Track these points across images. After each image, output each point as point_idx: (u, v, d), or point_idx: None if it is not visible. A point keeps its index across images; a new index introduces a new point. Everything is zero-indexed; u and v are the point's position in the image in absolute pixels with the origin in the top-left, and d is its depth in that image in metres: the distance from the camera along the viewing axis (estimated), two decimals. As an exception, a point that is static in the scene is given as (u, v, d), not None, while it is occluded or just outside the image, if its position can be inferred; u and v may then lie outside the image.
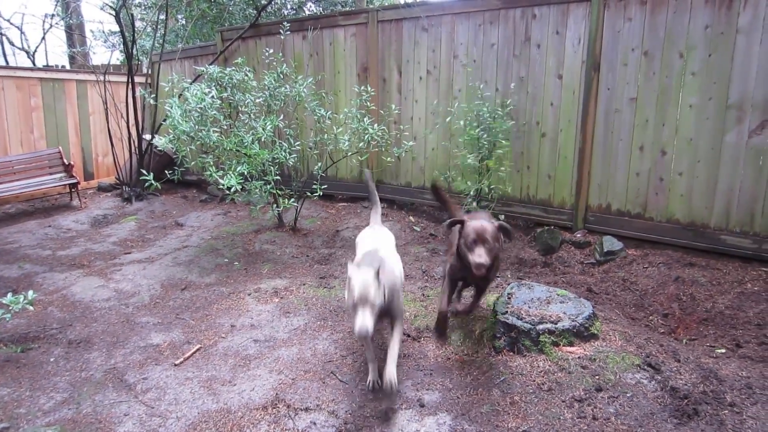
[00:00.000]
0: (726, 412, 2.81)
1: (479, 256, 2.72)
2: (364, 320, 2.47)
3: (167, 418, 2.93)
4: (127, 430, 2.86)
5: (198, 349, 3.66)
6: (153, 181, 5.25)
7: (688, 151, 4.76)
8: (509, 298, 3.60)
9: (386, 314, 2.92)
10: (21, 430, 2.83)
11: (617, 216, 5.20)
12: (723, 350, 3.44)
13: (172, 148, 5.82)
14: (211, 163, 5.23)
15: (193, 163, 5.46)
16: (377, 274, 2.61)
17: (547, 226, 5.49)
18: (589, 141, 5.28)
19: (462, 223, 2.90)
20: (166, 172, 5.88)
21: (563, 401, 2.89)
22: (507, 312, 3.41)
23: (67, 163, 7.92)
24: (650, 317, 3.94)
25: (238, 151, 5.28)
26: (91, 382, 3.35)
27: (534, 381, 3.03)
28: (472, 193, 5.47)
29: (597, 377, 3.09)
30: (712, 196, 4.69)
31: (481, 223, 2.82)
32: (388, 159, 6.39)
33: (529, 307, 3.48)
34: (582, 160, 5.33)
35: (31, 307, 3.67)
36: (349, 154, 5.97)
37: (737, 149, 4.51)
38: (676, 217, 4.87)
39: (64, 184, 7.79)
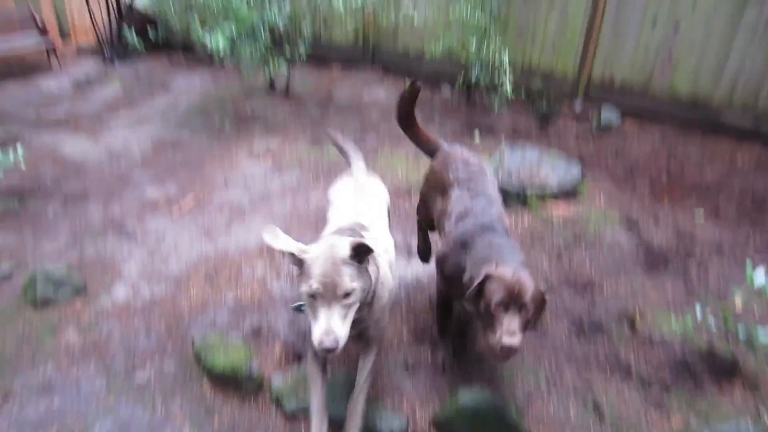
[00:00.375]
0: (693, 265, 3.08)
1: (510, 333, 1.69)
2: (331, 321, 1.54)
3: (168, 259, 3.16)
4: (131, 267, 3.10)
5: (193, 200, 3.83)
6: (135, 41, 5.08)
7: (703, 27, 4.62)
8: (501, 160, 3.73)
9: (359, 335, 1.88)
10: (30, 268, 3.06)
11: (620, 89, 5.17)
12: (702, 215, 3.65)
13: (155, 6, 5.55)
14: (197, 22, 5.02)
15: (177, 23, 5.24)
16: (357, 247, 1.63)
17: (547, 96, 5.48)
18: (600, 10, 5.09)
19: (485, 278, 1.79)
20: (149, 32, 5.66)
21: (544, 251, 3.14)
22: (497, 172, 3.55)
23: (40, 23, 7.55)
24: (637, 184, 4.11)
25: (226, 10, 5.05)
26: (91, 230, 3.54)
27: (518, 235, 3.26)
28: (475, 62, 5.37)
29: (577, 232, 3.33)
30: (719, 73, 4.65)
31: (516, 273, 1.78)
32: (386, 23, 6.16)
33: (520, 169, 3.63)
34: (590, 31, 5.18)
35: (23, 162, 3.74)
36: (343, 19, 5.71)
37: (754, 28, 4.40)
38: (679, 93, 4.86)
39: (40, 45, 7.50)
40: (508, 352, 1.69)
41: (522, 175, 3.54)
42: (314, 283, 1.55)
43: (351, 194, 2.31)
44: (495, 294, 1.72)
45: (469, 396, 2.13)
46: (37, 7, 8.04)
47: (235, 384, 2.39)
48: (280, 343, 2.58)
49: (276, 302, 2.80)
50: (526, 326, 1.77)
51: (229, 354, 2.43)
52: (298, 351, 2.53)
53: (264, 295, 2.85)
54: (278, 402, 2.32)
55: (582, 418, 2.19)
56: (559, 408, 2.23)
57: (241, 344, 2.51)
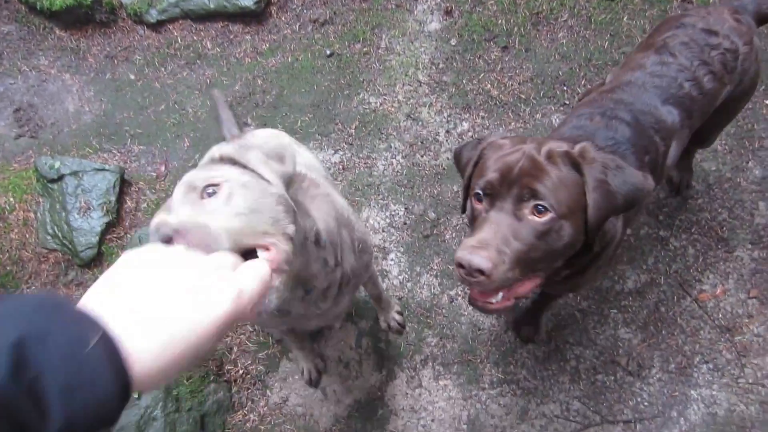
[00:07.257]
0: None
1: (472, 246, 0.93)
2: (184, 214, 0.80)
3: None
4: None
5: None
6: None
7: None
8: None
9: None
10: None
11: None
12: None
13: None
14: None
15: None
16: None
17: None
18: None
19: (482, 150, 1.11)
20: None
21: None
22: None
23: None
24: None
25: None
26: None
27: None
28: None
29: None
30: None
31: (538, 141, 1.06)
32: None
33: None
34: None
35: None
36: None
37: None
38: None
39: None
40: (471, 283, 0.91)
41: None
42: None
43: None
44: (482, 174, 1.02)
45: None
46: None
47: (86, 18, 2.35)
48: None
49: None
50: (544, 236, 0.95)
51: (64, -10, 2.30)
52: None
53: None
54: (138, 17, 2.34)
55: None
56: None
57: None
